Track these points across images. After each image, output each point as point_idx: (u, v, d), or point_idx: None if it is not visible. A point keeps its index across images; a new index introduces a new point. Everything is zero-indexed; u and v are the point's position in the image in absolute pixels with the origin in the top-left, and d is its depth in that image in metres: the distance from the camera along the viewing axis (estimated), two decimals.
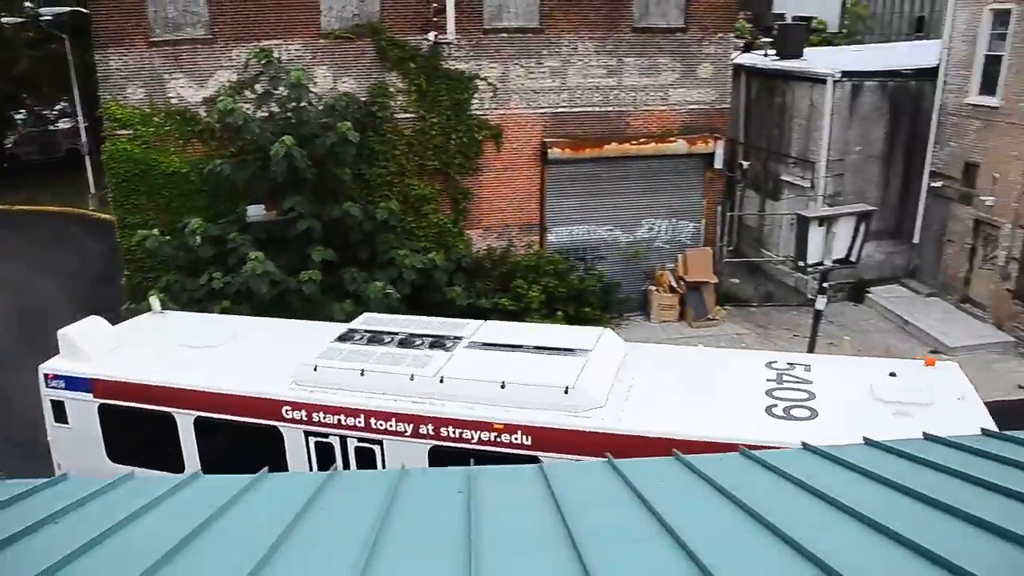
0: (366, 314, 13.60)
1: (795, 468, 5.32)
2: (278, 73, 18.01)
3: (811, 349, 15.66)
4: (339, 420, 10.75)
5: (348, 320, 13.63)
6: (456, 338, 11.71)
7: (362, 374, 10.83)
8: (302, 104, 18.04)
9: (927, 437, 6.18)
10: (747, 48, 29.56)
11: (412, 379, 10.65)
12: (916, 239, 23.47)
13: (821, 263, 15.36)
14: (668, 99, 21.39)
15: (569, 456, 9.35)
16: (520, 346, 11.39)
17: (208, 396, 11.29)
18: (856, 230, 15.50)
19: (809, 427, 9.34)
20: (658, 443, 9.03)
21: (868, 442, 6.15)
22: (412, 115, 20.12)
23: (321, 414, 10.82)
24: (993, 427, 8.83)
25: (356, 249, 18.67)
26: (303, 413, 10.88)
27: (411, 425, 10.41)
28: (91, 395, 11.91)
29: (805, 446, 6.18)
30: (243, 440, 11.06)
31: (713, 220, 22.41)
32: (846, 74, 22.22)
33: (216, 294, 16.95)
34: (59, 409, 12.12)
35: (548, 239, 21.63)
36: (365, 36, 19.58)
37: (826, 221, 15.27)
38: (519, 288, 19.66)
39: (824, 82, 22.25)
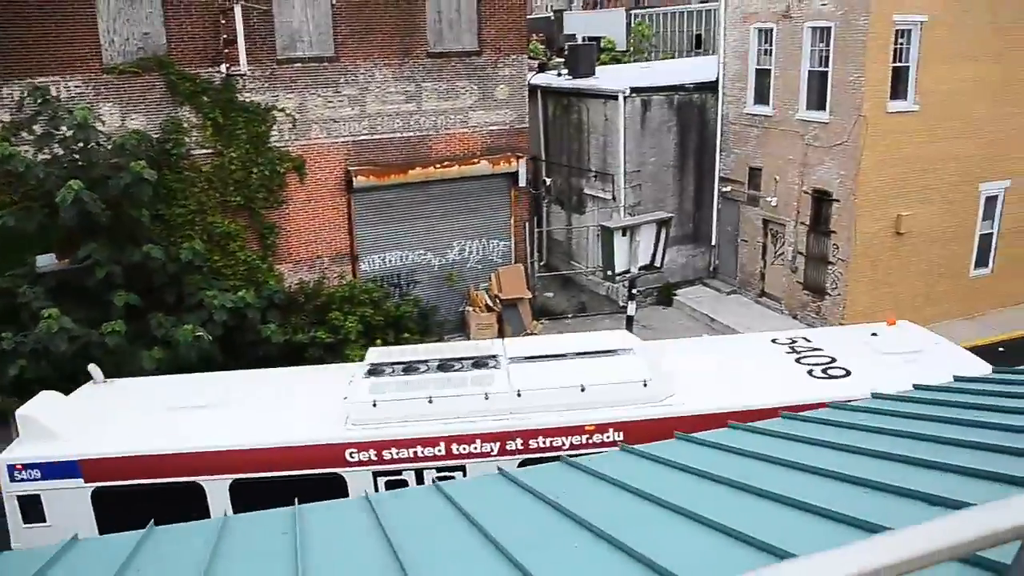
0: (371, 349, 12.82)
1: (610, 469, 5.65)
2: (57, 112, 16.98)
3: None
4: (415, 452, 10.27)
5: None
6: (492, 357, 11.60)
7: (430, 401, 10.46)
8: (89, 145, 17.08)
9: (733, 427, 6.74)
10: (542, 69, 30.80)
11: (487, 398, 10.49)
12: (714, 241, 25.26)
13: (628, 270, 16.23)
14: (468, 121, 21.92)
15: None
16: (563, 355, 11.55)
17: (247, 455, 10.19)
18: (658, 237, 16.52)
19: (851, 382, 10.67)
20: (730, 416, 8.81)
21: (680, 437, 6.63)
22: (209, 150, 19.51)
23: (394, 450, 10.25)
24: (976, 364, 11.04)
25: (162, 293, 17.84)
26: (371, 453, 10.23)
27: (497, 443, 10.28)
28: (80, 480, 10.30)
29: (622, 447, 6.57)
30: (292, 496, 10.08)
31: (522, 237, 23.13)
32: (635, 90, 23.65)
33: (7, 355, 15.71)
34: (32, 506, 10.27)
35: (361, 268, 21.54)
36: (152, 70, 18.82)
37: (629, 230, 16.18)
38: (335, 320, 19.45)
39: (616, 98, 23.58)
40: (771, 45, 22.64)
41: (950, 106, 21.12)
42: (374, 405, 10.52)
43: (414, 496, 6.41)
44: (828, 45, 20.84)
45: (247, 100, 19.62)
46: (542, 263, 24.87)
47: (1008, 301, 23.74)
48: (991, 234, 23.32)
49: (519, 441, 10.32)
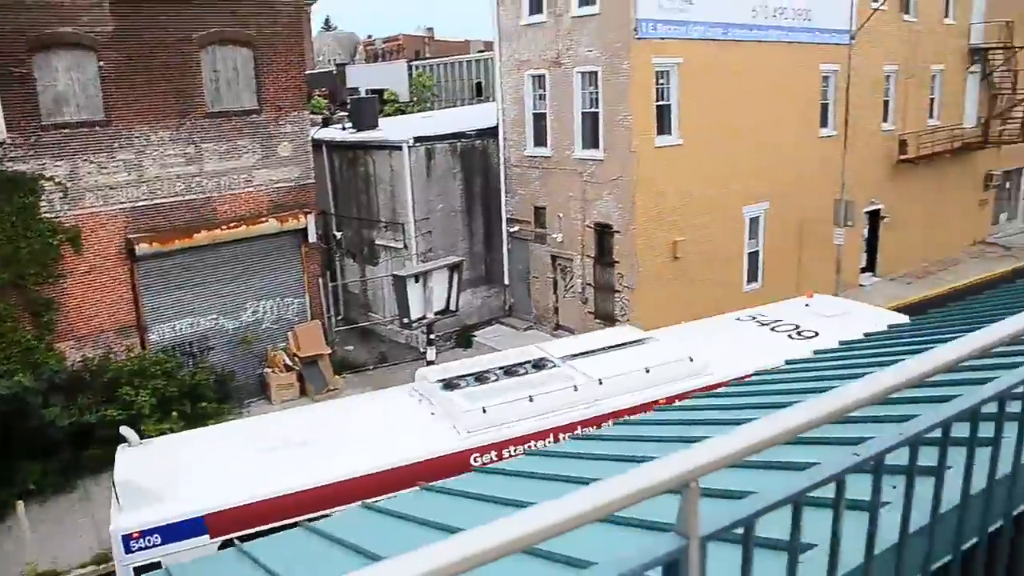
0: (419, 370, 13.64)
1: (411, 508, 6.31)
2: None
3: None
4: (531, 447, 11.16)
5: None
6: (545, 359, 13.24)
7: (531, 400, 11.79)
8: None
9: (529, 454, 7.65)
10: (326, 123, 31.71)
11: (576, 389, 12.04)
12: (507, 280, 26.96)
13: (424, 317, 17.22)
14: (253, 180, 22.43)
15: None
16: (603, 349, 13.66)
17: (375, 478, 10.33)
18: (450, 281, 17.63)
19: (821, 339, 12.82)
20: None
21: (477, 470, 7.49)
22: None
23: (511, 448, 11.21)
24: (892, 316, 14.05)
25: None
26: (492, 455, 11.11)
27: (595, 427, 11.33)
28: (206, 536, 9.84)
29: (363, 504, 7.09)
30: None
31: (317, 293, 23.74)
32: (419, 139, 25.03)
33: None
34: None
35: (150, 339, 21.34)
36: None
37: (421, 277, 17.17)
38: (126, 395, 19.21)
39: (400, 149, 24.86)
40: (545, 90, 24.81)
41: (711, 138, 23.89)
42: (484, 411, 11.55)
43: (219, 561, 6.84)
44: (597, 88, 23.18)
45: (10, 170, 19.23)
46: (340, 317, 25.55)
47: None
48: (757, 252, 26.48)
49: (611, 423, 10.90)
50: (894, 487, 2.45)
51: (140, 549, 9.69)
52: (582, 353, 13.47)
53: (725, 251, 24.97)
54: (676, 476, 1.64)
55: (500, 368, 13.02)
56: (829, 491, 1.98)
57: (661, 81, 22.73)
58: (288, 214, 22.60)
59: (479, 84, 46.45)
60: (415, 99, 46.11)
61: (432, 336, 17.70)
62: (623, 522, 3.66)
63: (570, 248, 24.46)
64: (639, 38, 21.82)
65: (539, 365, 13.02)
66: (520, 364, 13.10)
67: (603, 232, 23.48)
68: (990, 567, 2.55)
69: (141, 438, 12.11)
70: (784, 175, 26.22)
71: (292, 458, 10.92)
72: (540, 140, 24.95)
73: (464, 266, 18.41)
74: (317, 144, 25.45)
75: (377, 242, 26.28)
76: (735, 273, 25.45)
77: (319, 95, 40.47)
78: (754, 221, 25.91)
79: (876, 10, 26.97)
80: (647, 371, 12.51)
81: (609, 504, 1.56)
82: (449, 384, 12.58)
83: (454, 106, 43.93)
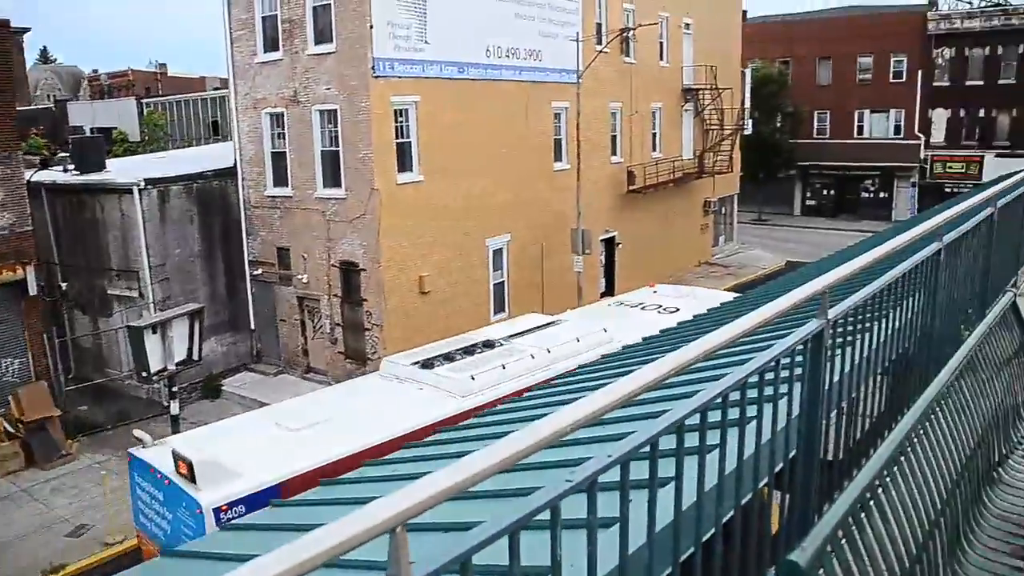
0: (386, 359, 15.57)
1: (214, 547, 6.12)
2: None
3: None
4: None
5: None
6: (490, 340, 15.86)
7: (504, 367, 14.14)
8: None
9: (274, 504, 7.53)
10: (44, 164, 29.34)
11: (533, 357, 14.72)
12: (252, 325, 26.11)
13: (165, 369, 16.29)
14: None
15: None
16: (532, 329, 16.64)
17: (411, 436, 10.96)
18: (192, 330, 16.74)
19: (682, 313, 15.35)
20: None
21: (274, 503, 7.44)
22: None
23: (499, 406, 11.56)
24: (727, 296, 17.86)
25: None
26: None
27: (551, 385, 12.24)
28: None
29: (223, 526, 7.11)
30: None
31: (42, 350, 21.81)
32: (151, 181, 23.69)
33: None
34: None
35: None
36: None
37: (160, 327, 16.15)
38: None
39: (131, 191, 23.41)
40: (284, 129, 24.43)
41: (453, 174, 24.51)
42: (472, 379, 13.61)
43: None
44: (336, 126, 23.11)
45: None
46: (71, 375, 23.63)
47: None
48: (503, 283, 27.41)
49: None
50: (631, 501, 2.47)
51: (229, 520, 10.51)
52: (517, 334, 16.21)
53: (472, 283, 25.63)
54: (380, 524, 1.60)
55: (459, 349, 15.32)
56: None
57: (400, 119, 23.10)
58: (3, 266, 20.68)
59: (215, 123, 44.94)
60: (147, 138, 43.83)
61: (175, 388, 16.79)
62: (346, 564, 3.70)
63: (317, 289, 24.14)
64: (376, 76, 22.07)
65: (489, 345, 15.55)
66: (473, 345, 15.55)
67: (349, 271, 23.39)
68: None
69: None
70: (524, 207, 27.38)
71: (327, 431, 12.20)
72: (281, 180, 24.51)
73: (206, 313, 17.64)
74: (35, 188, 23.52)
75: (109, 292, 24.61)
76: (482, 304, 26.17)
77: (35, 134, 37.49)
78: (498, 253, 26.81)
79: (600, 52, 28.92)
80: (578, 340, 15.28)
81: (314, 559, 1.50)
82: (425, 364, 14.61)
83: (190, 145, 42.18)
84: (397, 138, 22.93)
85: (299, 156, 23.85)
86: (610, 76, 31.40)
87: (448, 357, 14.90)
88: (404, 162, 23.20)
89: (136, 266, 23.58)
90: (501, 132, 25.97)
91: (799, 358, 3.20)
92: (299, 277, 24.24)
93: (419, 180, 23.47)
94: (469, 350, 15.19)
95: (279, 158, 24.45)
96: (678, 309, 17.28)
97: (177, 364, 16.39)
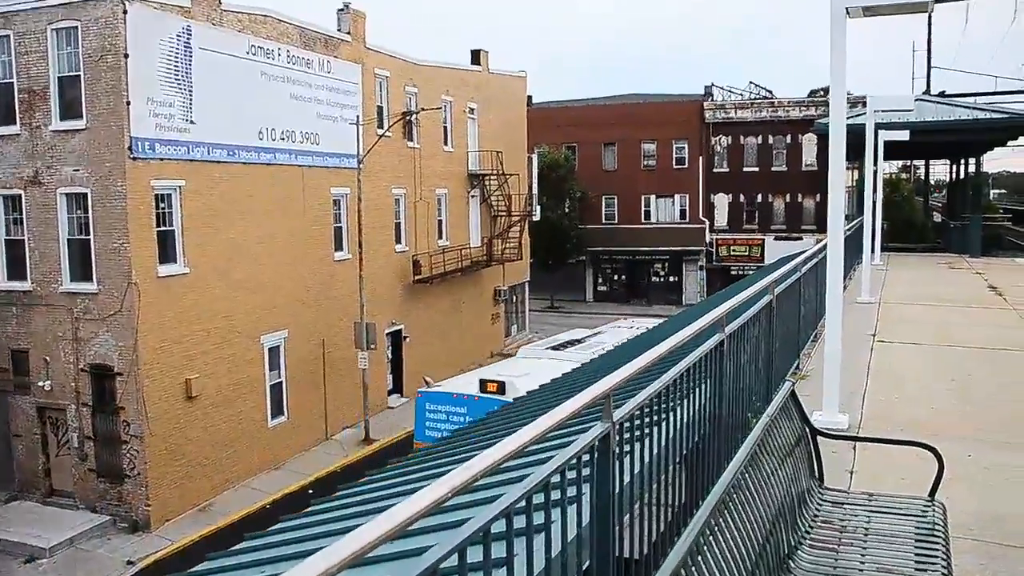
0: (522, 349, 24.01)
1: None
2: None
3: None
4: None
5: None
6: (578, 338, 24.88)
7: (602, 349, 20.37)
8: None
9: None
10: None
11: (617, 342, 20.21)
12: None
13: None
14: None
15: None
16: (591, 333, 25.67)
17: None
18: None
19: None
20: None
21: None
22: None
23: None
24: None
25: None
26: None
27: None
28: None
29: None
30: None
31: None
32: None
33: None
34: None
35: None
36: None
37: None
38: None
39: None
40: (22, 214, 22.85)
41: (222, 265, 23.78)
42: (594, 355, 17.64)
43: None
44: (87, 212, 21.84)
45: None
46: None
47: (306, 444, 27.25)
48: (280, 383, 26.65)
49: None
50: None
51: None
52: (594, 334, 25.02)
53: (247, 384, 24.77)
54: None
55: (564, 342, 23.76)
56: None
57: (163, 204, 22.27)
58: None
59: None
60: None
61: None
62: None
63: (62, 397, 22.46)
64: (135, 158, 21.26)
65: (580, 340, 24.09)
66: (572, 340, 24.06)
67: (102, 375, 21.97)
68: None
69: None
70: (303, 300, 27.00)
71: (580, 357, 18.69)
72: (17, 272, 22.84)
73: None
74: None
75: None
76: (258, 408, 25.31)
77: None
78: (274, 351, 26.13)
79: (381, 136, 29.38)
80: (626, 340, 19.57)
81: None
82: (556, 348, 22.92)
83: None
84: (159, 226, 22.08)
85: (40, 245, 22.39)
86: (393, 161, 31.92)
87: (568, 344, 23.46)
88: (167, 252, 22.32)
89: None
90: (277, 220, 25.63)
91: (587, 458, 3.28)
92: (40, 384, 22.49)
93: (184, 272, 22.63)
94: (572, 342, 23.74)
95: (15, 246, 22.84)
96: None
97: None
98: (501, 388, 18.24)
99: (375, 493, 7.90)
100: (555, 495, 3.05)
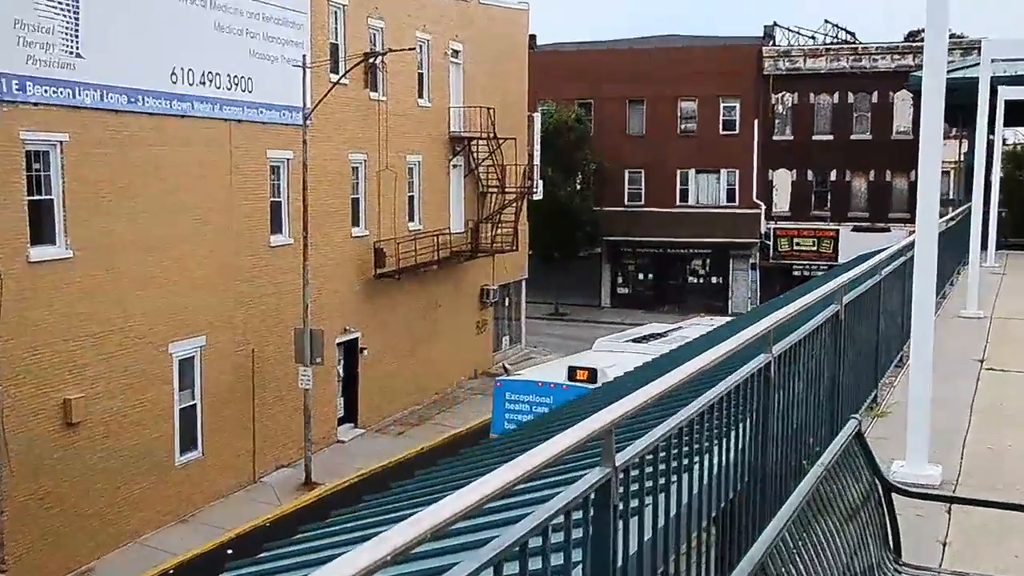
0: (598, 341, 27.68)
1: None
2: None
3: None
4: None
5: None
6: (658, 331, 28.66)
7: (685, 339, 23.30)
8: None
9: None
10: None
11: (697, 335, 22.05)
12: None
13: None
14: None
15: None
16: (672, 328, 29.38)
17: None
18: None
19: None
20: None
21: None
22: None
23: None
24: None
25: None
26: None
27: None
28: None
29: None
30: None
31: None
32: None
33: None
34: None
35: None
36: None
37: None
38: None
39: None
40: None
41: (118, 250, 23.47)
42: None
43: None
44: None
45: None
46: None
47: (227, 488, 27.05)
48: (194, 405, 26.45)
49: None
50: None
51: None
52: (676, 328, 28.82)
53: (147, 408, 24.64)
54: None
55: (645, 335, 27.57)
56: None
57: (37, 166, 22.13)
58: None
59: None
60: None
61: None
62: None
63: None
64: None
65: (658, 335, 27.34)
66: (652, 334, 27.63)
67: None
68: None
69: None
70: (226, 298, 26.85)
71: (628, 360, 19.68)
72: None
73: None
74: None
75: None
76: (163, 439, 25.15)
77: None
78: (187, 363, 25.97)
79: (336, 84, 29.25)
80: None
81: None
82: (638, 340, 26.40)
83: None
84: (31, 194, 21.94)
85: None
86: (351, 117, 31.87)
87: (649, 337, 27.05)
88: (43, 230, 22.20)
89: None
90: (194, 191, 25.51)
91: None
92: None
93: (67, 256, 22.52)
94: (654, 336, 27.32)
95: None
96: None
97: None
98: (592, 376, 20.92)
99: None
100: (535, 563, 2.98)
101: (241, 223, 27.49)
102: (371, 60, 32.33)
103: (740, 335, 4.93)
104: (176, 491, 25.46)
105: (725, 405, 4.54)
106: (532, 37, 48.21)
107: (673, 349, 18.27)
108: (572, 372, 21.79)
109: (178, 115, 25.33)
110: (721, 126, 54.96)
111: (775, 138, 54.27)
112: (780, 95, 54.18)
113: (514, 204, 40.91)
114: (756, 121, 54.08)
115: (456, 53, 38.75)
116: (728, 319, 28.14)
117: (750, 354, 5.13)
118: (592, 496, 3.27)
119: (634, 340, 26.67)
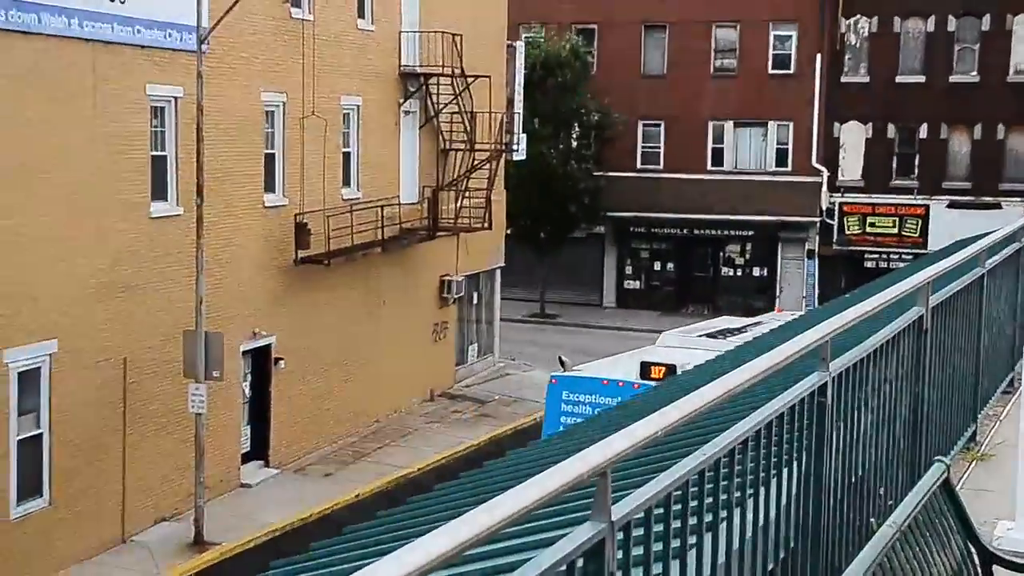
0: (664, 335, 32.21)
1: None
2: None
3: None
4: None
5: None
6: (731, 327, 33.26)
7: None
8: None
9: None
10: None
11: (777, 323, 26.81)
12: None
13: None
14: None
15: None
16: (742, 326, 33.69)
17: None
18: None
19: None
20: None
21: None
22: None
23: None
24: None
25: None
26: None
27: None
28: None
29: None
30: None
31: None
32: None
33: None
34: None
35: None
36: None
37: None
38: None
39: None
40: None
41: None
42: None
43: None
44: None
45: None
46: None
47: (84, 550, 26.83)
48: (40, 436, 26.28)
49: None
50: None
51: None
52: (755, 323, 32.51)
53: None
54: None
55: (721, 329, 31.78)
56: None
57: None
58: None
59: None
60: None
61: None
62: None
63: None
64: None
65: (734, 330, 31.19)
66: (728, 328, 31.83)
67: None
68: None
69: None
70: (86, 289, 26.63)
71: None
72: None
73: None
74: None
75: None
76: None
77: None
78: (29, 377, 25.77)
79: None
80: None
81: None
82: (711, 335, 30.19)
83: None
84: None
85: None
86: (265, 42, 31.79)
87: (725, 332, 30.58)
88: None
89: None
90: (42, 140, 25.30)
91: None
92: None
93: None
94: (727, 331, 30.82)
95: None
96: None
97: None
98: (671, 373, 23.41)
99: None
100: None
101: (109, 185, 27.24)
102: None
103: (784, 347, 4.89)
104: (11, 555, 25.21)
105: (764, 441, 4.51)
106: None
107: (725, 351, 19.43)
108: (646, 368, 24.60)
109: (19, 31, 25.02)
110: (771, 62, 55.09)
111: (845, 80, 54.28)
112: (853, 19, 54.15)
113: (487, 166, 40.91)
114: (819, 56, 54.04)
115: None
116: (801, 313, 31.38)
117: (800, 373, 5.12)
118: (579, 563, 3.23)
119: (707, 335, 29.88)
